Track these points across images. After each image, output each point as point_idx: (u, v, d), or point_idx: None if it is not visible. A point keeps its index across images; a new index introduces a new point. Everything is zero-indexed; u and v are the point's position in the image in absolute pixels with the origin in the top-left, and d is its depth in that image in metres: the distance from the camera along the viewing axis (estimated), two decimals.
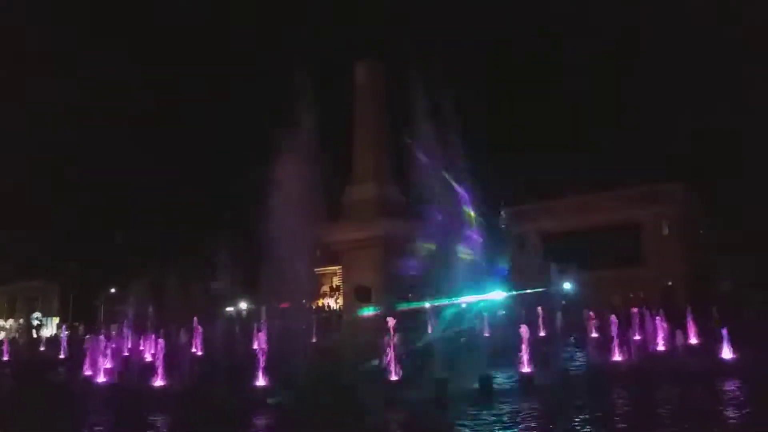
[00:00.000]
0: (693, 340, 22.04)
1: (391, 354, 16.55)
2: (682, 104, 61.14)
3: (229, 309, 29.72)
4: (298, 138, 24.01)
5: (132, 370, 22.10)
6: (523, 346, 16.64)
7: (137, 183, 55.64)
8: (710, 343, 19.52)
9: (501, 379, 16.60)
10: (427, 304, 23.28)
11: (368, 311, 22.46)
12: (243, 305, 27.43)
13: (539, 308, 32.19)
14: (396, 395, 15.19)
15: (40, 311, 58.97)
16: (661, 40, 70.24)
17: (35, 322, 56.05)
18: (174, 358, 22.85)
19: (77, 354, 23.46)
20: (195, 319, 27.95)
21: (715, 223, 48.20)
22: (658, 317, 22.09)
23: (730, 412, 12.77)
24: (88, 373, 20.89)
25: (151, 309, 29.78)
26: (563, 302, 43.60)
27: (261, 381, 16.63)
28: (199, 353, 27.07)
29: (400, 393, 15.27)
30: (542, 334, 28.77)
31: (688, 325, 22.58)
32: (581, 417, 12.60)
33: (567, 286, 48.68)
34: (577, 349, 23.80)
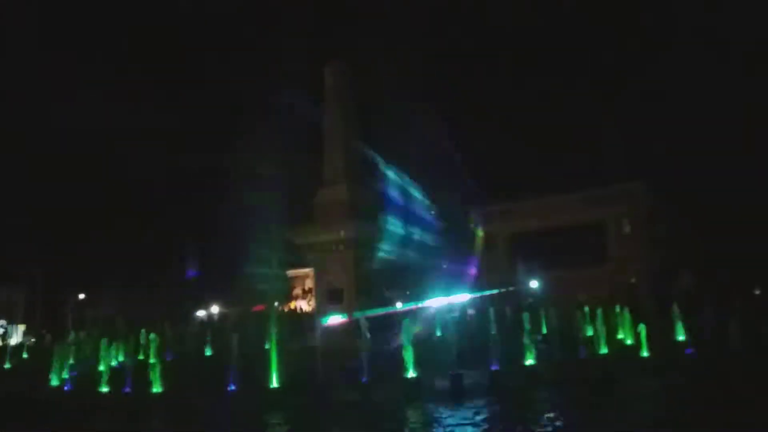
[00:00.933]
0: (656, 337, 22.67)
1: (364, 355, 16.75)
2: (641, 106, 62.76)
3: (200, 313, 29.48)
4: (269, 141, 24.20)
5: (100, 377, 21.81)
6: (492, 345, 17.01)
7: (106, 185, 54.58)
8: (672, 339, 20.21)
9: (471, 378, 16.89)
10: (399, 306, 23.52)
11: (340, 314, 22.56)
12: (214, 309, 27.23)
13: (507, 307, 32.78)
14: (368, 396, 15.38)
15: (4, 319, 57.36)
16: (621, 43, 71.85)
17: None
18: (144, 363, 22.68)
19: (43, 361, 23.02)
20: (165, 323, 27.70)
21: (674, 220, 49.60)
22: (621, 314, 22.71)
23: (688, 405, 13.30)
24: (53, 381, 20.54)
25: (120, 314, 29.35)
26: (530, 301, 44.45)
27: (233, 386, 16.67)
28: (170, 358, 26.87)
29: (372, 393, 15.46)
30: (510, 332, 29.27)
31: (650, 322, 23.24)
32: (548, 413, 12.97)
33: (534, 285, 49.57)
34: (544, 346, 24.27)
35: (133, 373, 18.07)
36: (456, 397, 14.96)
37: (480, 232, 56.18)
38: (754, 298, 33.30)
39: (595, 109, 70.63)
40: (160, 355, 25.49)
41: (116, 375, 18.96)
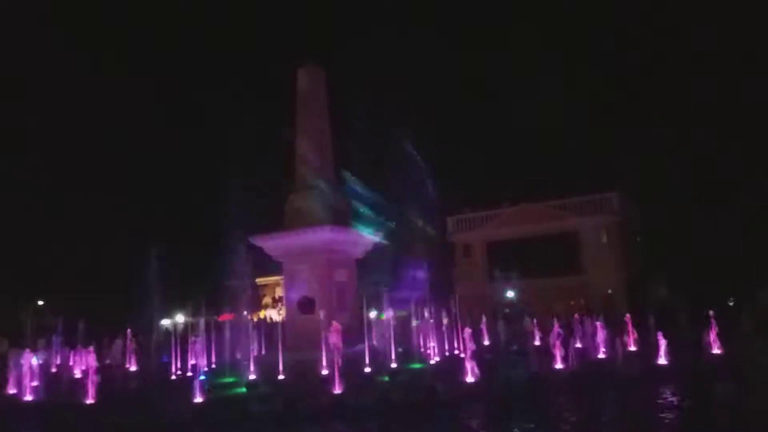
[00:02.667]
0: (632, 347, 22.51)
1: (335, 364, 16.26)
2: (620, 117, 63.30)
3: (165, 322, 28.61)
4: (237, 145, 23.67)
5: (61, 387, 21.02)
6: (467, 355, 16.61)
7: (67, 190, 53.19)
8: (648, 349, 19.99)
9: (445, 389, 16.42)
10: (372, 315, 22.98)
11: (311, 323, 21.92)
12: (180, 318, 26.39)
13: (483, 316, 32.48)
14: (339, 404, 14.87)
15: None
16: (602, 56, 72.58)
17: None
18: (106, 373, 21.88)
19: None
20: (129, 332, 26.83)
21: (647, 231, 49.93)
22: (598, 324, 22.47)
23: (665, 416, 13.00)
24: (12, 391, 19.66)
25: (81, 322, 28.36)
26: (506, 310, 44.27)
27: (198, 397, 16.02)
28: (134, 368, 26.07)
29: (344, 402, 14.96)
30: (486, 342, 29.01)
31: (627, 332, 23.07)
32: (524, 425, 12.57)
33: (510, 293, 49.41)
34: (519, 357, 23.98)
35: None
36: (429, 406, 14.46)
37: (456, 240, 55.92)
38: (728, 309, 33.42)
39: (573, 117, 71.13)
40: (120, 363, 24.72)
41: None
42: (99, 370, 18.97)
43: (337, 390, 15.75)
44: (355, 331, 21.29)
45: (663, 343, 18.37)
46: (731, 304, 38.56)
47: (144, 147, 64.17)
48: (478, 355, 17.36)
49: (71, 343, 27.72)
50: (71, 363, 26.38)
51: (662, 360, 18.23)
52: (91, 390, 17.06)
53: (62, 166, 54.36)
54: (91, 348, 21.01)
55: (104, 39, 79.74)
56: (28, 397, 18.81)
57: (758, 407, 13.08)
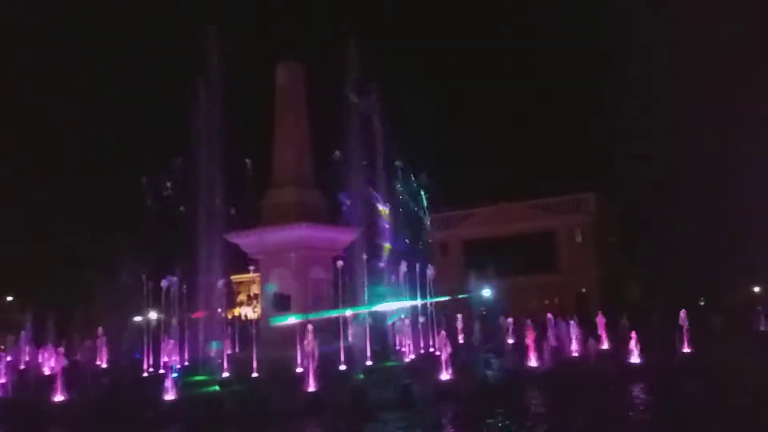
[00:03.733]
0: (604, 346, 22.76)
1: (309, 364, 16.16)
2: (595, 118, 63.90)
3: (138, 319, 28.21)
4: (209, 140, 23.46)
5: (29, 384, 20.59)
6: (443, 353, 16.62)
7: (35, 184, 52.02)
8: (620, 348, 20.23)
9: (419, 386, 16.43)
10: (347, 312, 22.88)
11: (286, 320, 21.79)
12: (153, 315, 26.06)
13: (459, 315, 32.62)
14: (315, 403, 14.77)
15: None
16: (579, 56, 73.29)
17: None
18: (76, 370, 21.50)
19: None
20: (99, 329, 26.38)
21: (623, 231, 50.59)
22: (572, 323, 22.67)
23: (637, 414, 13.15)
24: None
25: (51, 319, 27.83)
26: (482, 309, 44.50)
27: (170, 395, 15.78)
28: (104, 365, 25.65)
29: (318, 400, 14.86)
30: (461, 340, 29.13)
31: (599, 331, 23.34)
32: (497, 423, 12.62)
33: (486, 292, 49.69)
34: (494, 355, 24.11)
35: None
36: (405, 405, 14.43)
37: (435, 238, 56.07)
38: (699, 310, 34.02)
39: (549, 119, 71.78)
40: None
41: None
42: (69, 368, 18.64)
43: (312, 388, 15.64)
44: (331, 328, 21.18)
45: (635, 342, 18.59)
46: (702, 303, 39.32)
47: (115, 138, 62.98)
48: (453, 353, 17.36)
49: (40, 340, 27.19)
50: (40, 360, 25.85)
51: (634, 358, 18.44)
52: (60, 388, 16.71)
53: (30, 159, 53.10)
54: (61, 345, 20.60)
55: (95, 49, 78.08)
56: None
57: (727, 403, 13.33)
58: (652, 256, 46.53)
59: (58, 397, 16.52)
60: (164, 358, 21.96)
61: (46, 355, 25.20)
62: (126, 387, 19.78)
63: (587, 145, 65.06)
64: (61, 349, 19.70)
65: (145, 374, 22.60)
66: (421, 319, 25.53)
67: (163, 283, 23.53)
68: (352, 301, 24.22)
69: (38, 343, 27.05)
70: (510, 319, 29.39)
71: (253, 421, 13.98)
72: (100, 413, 15.34)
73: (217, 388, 18.21)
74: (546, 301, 44.90)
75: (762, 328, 28.45)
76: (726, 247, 42.84)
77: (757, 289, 45.06)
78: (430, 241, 55.55)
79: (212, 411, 14.61)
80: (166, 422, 14.43)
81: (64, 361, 18.33)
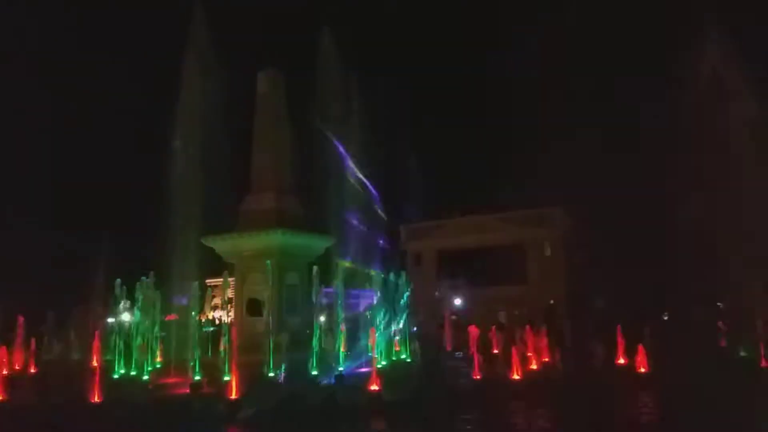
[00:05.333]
0: (571, 356, 23.38)
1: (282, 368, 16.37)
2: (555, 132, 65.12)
3: (111, 320, 28.04)
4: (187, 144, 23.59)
5: None
6: (414, 361, 16.99)
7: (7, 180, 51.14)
8: (585, 358, 20.85)
9: (390, 393, 16.75)
10: (321, 318, 23.12)
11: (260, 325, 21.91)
12: (125, 316, 25.93)
13: (431, 324, 33.04)
14: (284, 407, 14.99)
15: None
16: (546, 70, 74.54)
17: None
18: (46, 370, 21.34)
19: None
20: (71, 329, 26.19)
21: (589, 245, 51.59)
22: (539, 333, 23.26)
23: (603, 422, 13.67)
24: None
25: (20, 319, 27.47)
26: (453, 318, 45.01)
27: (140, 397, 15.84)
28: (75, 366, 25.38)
29: (289, 405, 15.08)
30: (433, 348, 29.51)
31: (565, 342, 23.98)
32: (465, 429, 13.00)
33: (457, 302, 50.29)
34: (463, 365, 24.53)
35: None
36: (374, 411, 14.74)
37: (408, 248, 56.54)
38: (663, 323, 34.96)
39: (520, 132, 72.79)
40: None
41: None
42: (38, 367, 18.58)
43: (283, 393, 15.86)
44: (305, 334, 21.41)
45: (600, 353, 19.21)
46: (666, 318, 40.37)
47: (87, 140, 62.33)
48: (424, 361, 17.76)
49: (7, 339, 26.80)
50: (4, 360, 25.48)
51: (598, 368, 19.05)
52: (30, 387, 16.65)
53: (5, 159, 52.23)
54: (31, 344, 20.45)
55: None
56: None
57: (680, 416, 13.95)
58: (617, 270, 47.57)
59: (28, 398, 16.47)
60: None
61: (13, 354, 24.94)
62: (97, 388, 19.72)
63: (556, 158, 66.18)
64: (29, 349, 19.61)
65: (116, 376, 22.49)
66: (394, 327, 25.86)
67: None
68: (326, 307, 24.47)
69: (4, 342, 26.66)
70: (479, 329, 29.87)
71: (223, 423, 14.17)
72: (67, 413, 15.34)
73: (188, 390, 18.27)
74: (515, 312, 45.61)
75: (723, 344, 29.35)
76: (689, 262, 44.01)
77: (719, 304, 46.33)
78: (404, 250, 56.04)
79: (182, 413, 14.72)
80: (133, 423, 14.50)
81: (33, 361, 18.27)
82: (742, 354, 21.78)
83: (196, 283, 23.52)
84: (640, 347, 19.81)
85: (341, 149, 29.65)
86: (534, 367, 21.23)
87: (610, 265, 47.71)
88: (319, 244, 25.93)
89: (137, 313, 22.12)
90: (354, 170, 30.89)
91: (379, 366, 22.57)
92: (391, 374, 20.07)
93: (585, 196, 51.79)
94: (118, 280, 24.68)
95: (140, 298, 21.77)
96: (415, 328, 18.21)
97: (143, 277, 22.49)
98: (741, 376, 18.68)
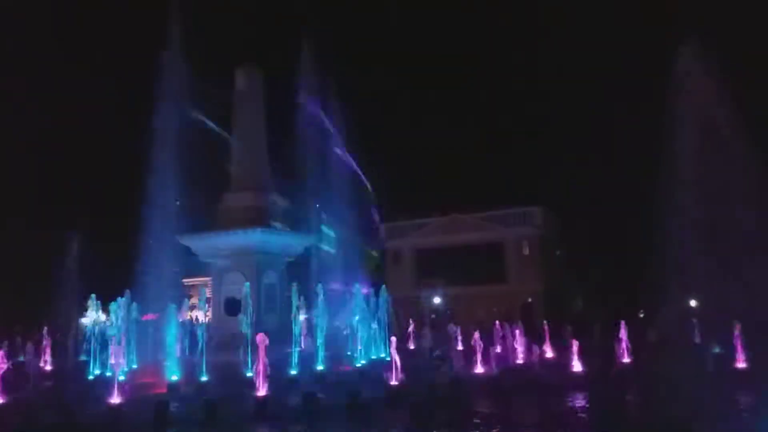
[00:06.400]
0: (548, 354, 23.61)
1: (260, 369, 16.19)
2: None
3: (84, 320, 27.58)
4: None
5: None
6: (392, 359, 16.96)
7: None
8: (563, 356, 21.03)
9: (370, 392, 16.73)
10: (300, 317, 23.01)
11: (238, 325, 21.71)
12: (101, 316, 25.53)
13: (410, 322, 33.11)
14: (263, 407, 14.88)
15: None
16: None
17: None
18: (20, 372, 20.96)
19: None
20: (45, 329, 25.69)
21: (566, 245, 52.22)
22: (517, 331, 23.43)
23: (577, 420, 13.81)
24: None
25: None
26: (432, 316, 45.22)
27: (116, 398, 15.58)
28: (49, 367, 25.01)
29: (268, 405, 14.98)
30: (411, 346, 29.59)
31: (544, 339, 24.20)
32: (443, 427, 13.04)
33: (436, 300, 50.48)
34: (442, 362, 24.62)
35: None
36: (354, 411, 14.71)
37: (387, 246, 56.60)
38: (638, 321, 35.42)
39: (500, 133, 73.43)
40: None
41: None
42: (12, 369, 18.18)
43: (262, 392, 15.73)
44: (284, 333, 21.28)
45: (577, 351, 19.38)
46: (642, 316, 40.90)
47: (64, 137, 61.20)
48: (403, 359, 17.73)
49: None
50: None
51: (576, 367, 19.21)
52: (1, 389, 16.29)
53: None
54: (2, 346, 20.03)
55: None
56: None
57: (659, 410, 14.14)
58: (593, 268, 48.16)
59: None
60: (111, 360, 21.58)
61: None
62: (70, 389, 19.43)
63: (536, 159, 66.92)
64: (2, 350, 19.18)
65: (91, 377, 22.17)
66: (373, 325, 25.85)
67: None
68: (306, 306, 24.36)
69: None
70: (458, 327, 30.06)
71: (201, 424, 14.02)
72: (41, 415, 15.08)
73: (164, 391, 18.08)
74: (494, 309, 45.91)
75: (696, 341, 29.82)
76: (663, 261, 44.69)
77: (693, 302, 47.10)
78: (383, 248, 56.11)
79: (158, 414, 14.50)
80: (108, 425, 14.30)
81: (6, 363, 17.86)
82: (716, 351, 22.13)
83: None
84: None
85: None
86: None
87: (586, 264, 48.32)
88: (298, 242, 25.80)
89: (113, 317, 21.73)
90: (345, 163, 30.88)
91: (358, 365, 22.88)
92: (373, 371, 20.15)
93: (564, 196, 52.46)
94: (93, 296, 24.20)
95: (116, 315, 21.33)
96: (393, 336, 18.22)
97: (119, 298, 22.11)
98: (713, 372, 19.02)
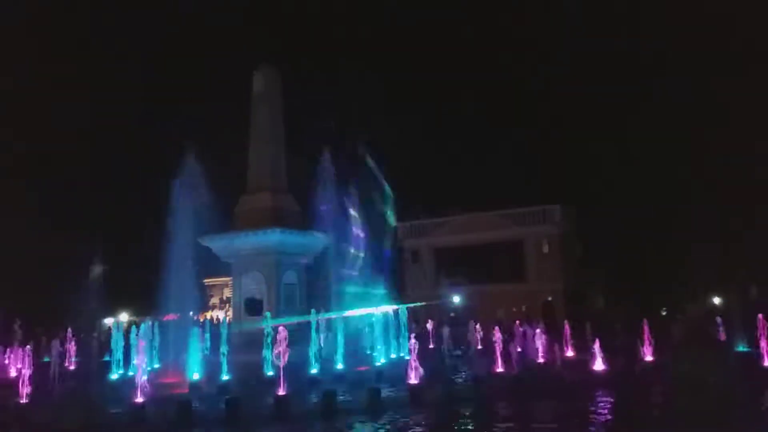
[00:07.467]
0: (570, 353, 23.40)
1: (281, 367, 16.27)
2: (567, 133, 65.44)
3: (108, 321, 27.95)
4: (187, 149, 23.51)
5: None
6: (412, 359, 16.92)
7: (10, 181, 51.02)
8: (585, 355, 20.80)
9: (389, 391, 16.72)
10: (319, 317, 23.07)
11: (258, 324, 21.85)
12: (124, 317, 25.80)
13: (429, 321, 33.06)
14: (284, 406, 14.94)
15: None
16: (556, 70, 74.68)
17: None
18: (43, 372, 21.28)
19: None
20: (69, 330, 26.07)
21: (587, 243, 51.75)
22: (538, 330, 23.25)
23: (604, 420, 13.64)
24: None
25: (18, 320, 27.41)
26: (452, 315, 45.10)
27: (139, 398, 15.76)
28: (73, 367, 25.39)
29: (288, 404, 15.04)
30: (431, 346, 29.54)
31: (565, 338, 23.99)
32: (466, 428, 12.97)
33: (456, 299, 50.31)
34: (463, 361, 24.54)
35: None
36: (374, 410, 14.72)
37: (406, 246, 56.56)
38: (661, 319, 34.99)
39: (521, 131, 72.96)
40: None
41: None
42: (37, 369, 18.48)
43: (282, 391, 15.81)
44: (303, 333, 21.36)
45: (599, 350, 19.15)
46: (664, 314, 40.40)
47: (89, 143, 62.09)
48: (423, 359, 17.69)
49: (6, 342, 26.76)
50: (6, 362, 25.46)
51: (599, 366, 19.00)
52: (26, 389, 16.55)
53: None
54: (28, 347, 20.32)
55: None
56: None
57: (686, 409, 13.93)
58: (614, 266, 47.67)
59: (23, 399, 16.38)
60: (134, 360, 21.84)
61: (12, 356, 24.91)
62: (94, 389, 19.68)
63: (556, 156, 66.41)
64: (29, 351, 19.49)
65: (115, 376, 22.44)
66: (393, 325, 25.87)
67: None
68: (325, 306, 24.44)
69: (4, 345, 26.63)
70: (478, 326, 29.95)
71: (223, 423, 14.12)
72: (67, 415, 15.29)
73: (186, 390, 18.25)
74: (513, 309, 45.63)
75: (721, 338, 29.39)
76: (688, 262, 44.14)
77: (716, 300, 46.46)
78: (401, 247, 56.03)
79: (181, 413, 14.63)
80: (133, 424, 14.45)
81: (31, 363, 18.15)
82: (742, 349, 21.78)
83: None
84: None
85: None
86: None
87: (607, 262, 47.84)
88: (317, 242, 25.87)
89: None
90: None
91: (377, 364, 22.90)
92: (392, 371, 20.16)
93: (584, 194, 52.01)
94: (113, 321, 24.39)
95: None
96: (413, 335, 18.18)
97: (142, 324, 22.42)
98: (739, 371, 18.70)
